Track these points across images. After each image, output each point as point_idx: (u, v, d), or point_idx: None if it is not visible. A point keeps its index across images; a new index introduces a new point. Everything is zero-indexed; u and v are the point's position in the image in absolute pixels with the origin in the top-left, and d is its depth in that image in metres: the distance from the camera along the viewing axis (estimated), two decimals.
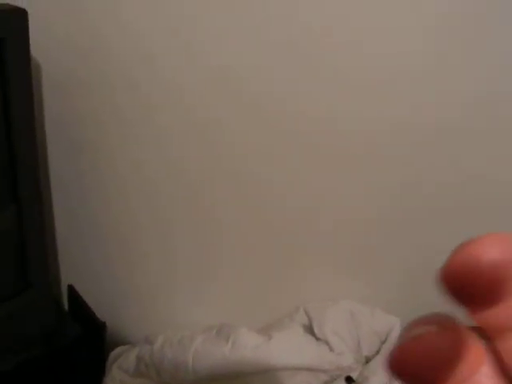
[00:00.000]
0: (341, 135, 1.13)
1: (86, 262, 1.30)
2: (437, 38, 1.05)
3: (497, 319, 0.20)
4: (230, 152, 1.16)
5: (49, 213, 1.25)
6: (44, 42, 1.03)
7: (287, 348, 1.14)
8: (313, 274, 1.26)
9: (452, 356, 0.20)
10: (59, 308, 1.23)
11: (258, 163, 1.17)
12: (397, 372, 0.21)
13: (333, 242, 1.23)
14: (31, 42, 0.90)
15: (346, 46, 1.06)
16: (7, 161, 0.95)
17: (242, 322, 1.20)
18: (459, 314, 0.22)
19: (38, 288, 1.06)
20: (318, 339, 1.18)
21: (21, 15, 0.88)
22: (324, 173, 1.17)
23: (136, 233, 1.26)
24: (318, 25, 1.05)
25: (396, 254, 1.22)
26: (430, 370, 0.20)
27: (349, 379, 1.16)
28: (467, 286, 0.20)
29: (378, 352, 1.20)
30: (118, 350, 1.27)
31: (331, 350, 1.16)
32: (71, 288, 1.28)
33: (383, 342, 1.20)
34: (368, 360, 1.20)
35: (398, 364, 0.21)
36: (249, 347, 1.15)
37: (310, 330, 1.20)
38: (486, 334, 0.21)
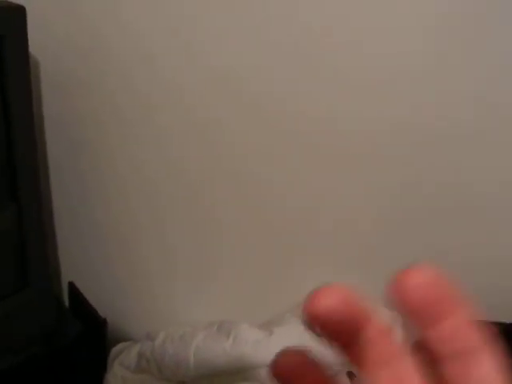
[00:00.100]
0: (341, 135, 1.13)
1: (86, 260, 1.30)
2: (437, 37, 1.05)
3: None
4: (230, 152, 1.16)
5: (49, 211, 1.25)
6: (43, 40, 1.03)
7: (288, 343, 1.14)
8: (313, 273, 1.26)
9: None
10: (60, 305, 1.23)
11: (258, 163, 1.17)
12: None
13: (333, 241, 1.23)
14: (30, 39, 0.90)
15: (347, 46, 1.06)
16: (6, 159, 0.95)
17: (243, 319, 1.20)
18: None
19: (38, 286, 1.06)
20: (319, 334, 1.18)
21: (19, 12, 0.87)
22: (324, 173, 1.17)
23: (136, 230, 1.27)
24: (319, 25, 1.04)
25: (396, 254, 1.22)
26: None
27: (350, 374, 1.16)
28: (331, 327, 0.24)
29: None
30: (119, 346, 1.28)
31: None
32: (72, 285, 1.29)
33: None
34: None
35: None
36: (250, 343, 1.15)
37: None
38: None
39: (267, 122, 1.13)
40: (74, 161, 1.21)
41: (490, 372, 0.23)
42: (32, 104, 0.95)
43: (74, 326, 1.17)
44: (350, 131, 1.12)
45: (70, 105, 1.15)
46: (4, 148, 0.93)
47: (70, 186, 1.24)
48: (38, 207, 1.02)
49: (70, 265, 1.32)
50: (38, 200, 1.02)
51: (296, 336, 1.18)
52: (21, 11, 0.88)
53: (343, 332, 0.25)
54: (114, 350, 1.27)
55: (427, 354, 0.24)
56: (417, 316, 0.24)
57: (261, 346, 1.15)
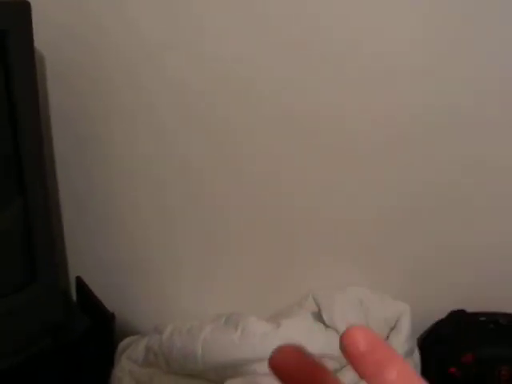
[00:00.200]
0: (346, 135, 1.14)
1: (93, 254, 1.31)
2: (437, 37, 1.04)
3: None
4: (236, 150, 1.17)
5: (56, 206, 1.25)
6: (48, 35, 1.03)
7: (296, 335, 1.14)
8: (321, 263, 1.26)
9: None
10: (67, 300, 1.23)
11: (264, 161, 1.17)
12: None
13: (342, 231, 1.23)
14: (35, 34, 0.90)
15: (351, 47, 1.07)
16: (13, 154, 0.95)
17: (250, 312, 1.20)
18: None
19: (45, 281, 1.06)
20: (327, 326, 1.18)
21: (24, 7, 0.87)
22: (324, 173, 1.18)
23: (143, 225, 1.27)
24: (325, 25, 1.05)
25: (396, 254, 1.23)
26: None
27: None
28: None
29: (387, 338, 1.20)
30: (126, 340, 1.28)
31: None
32: (79, 280, 1.29)
33: (392, 329, 1.20)
34: None
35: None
36: (258, 335, 1.15)
37: (318, 317, 1.20)
38: None
39: (273, 120, 1.13)
40: (80, 156, 1.21)
41: None
42: (38, 99, 0.95)
43: (82, 320, 1.17)
44: (351, 131, 1.13)
45: (76, 100, 1.15)
46: (11, 143, 0.93)
47: (77, 181, 1.24)
48: (44, 202, 1.02)
49: (78, 259, 1.33)
50: (44, 195, 1.02)
51: (303, 328, 1.19)
52: (26, 6, 0.87)
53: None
54: (122, 344, 1.27)
55: None
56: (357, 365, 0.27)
57: (268, 338, 1.14)
